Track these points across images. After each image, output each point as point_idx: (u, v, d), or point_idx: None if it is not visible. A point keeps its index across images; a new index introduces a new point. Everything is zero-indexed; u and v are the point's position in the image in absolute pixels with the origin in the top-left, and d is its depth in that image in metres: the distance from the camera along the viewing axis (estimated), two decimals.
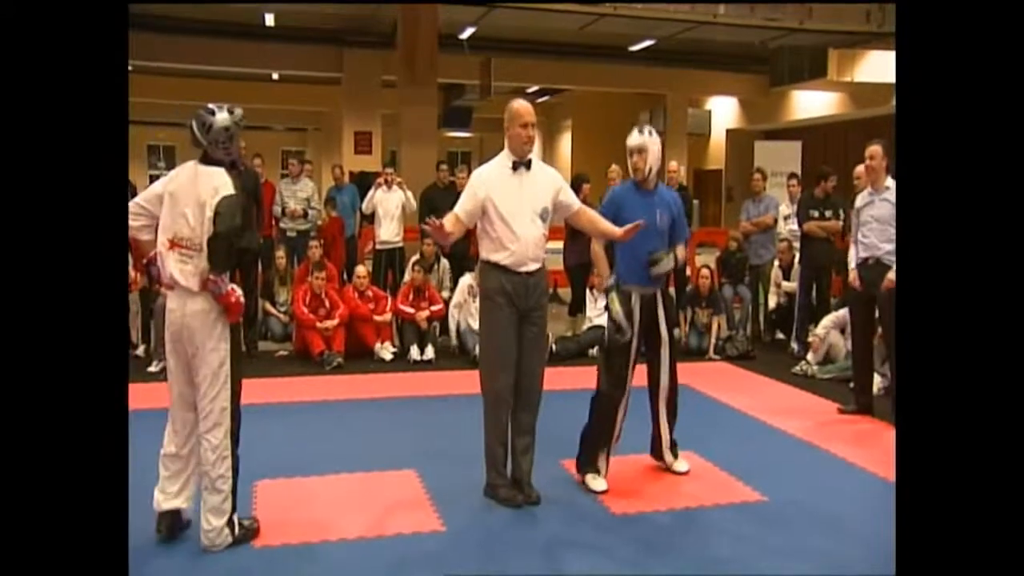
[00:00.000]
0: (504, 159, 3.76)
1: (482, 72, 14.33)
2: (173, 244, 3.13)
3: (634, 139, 4.01)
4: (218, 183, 3.13)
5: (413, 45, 12.43)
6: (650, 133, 4.02)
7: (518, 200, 3.68)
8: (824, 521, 3.71)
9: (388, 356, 6.94)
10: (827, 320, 6.66)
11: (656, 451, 4.37)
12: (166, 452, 3.31)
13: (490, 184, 3.70)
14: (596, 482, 4.03)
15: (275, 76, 17.88)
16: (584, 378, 6.49)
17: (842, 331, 6.47)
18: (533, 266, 3.72)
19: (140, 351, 6.92)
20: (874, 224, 5.17)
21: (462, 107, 17.62)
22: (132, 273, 7.56)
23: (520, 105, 3.75)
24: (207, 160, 3.20)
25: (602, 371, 4.13)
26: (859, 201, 5.35)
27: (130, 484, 4.06)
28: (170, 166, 25.76)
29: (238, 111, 3.27)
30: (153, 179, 24.49)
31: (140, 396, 5.67)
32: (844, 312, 6.20)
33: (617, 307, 3.92)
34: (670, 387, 4.26)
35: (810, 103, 16.17)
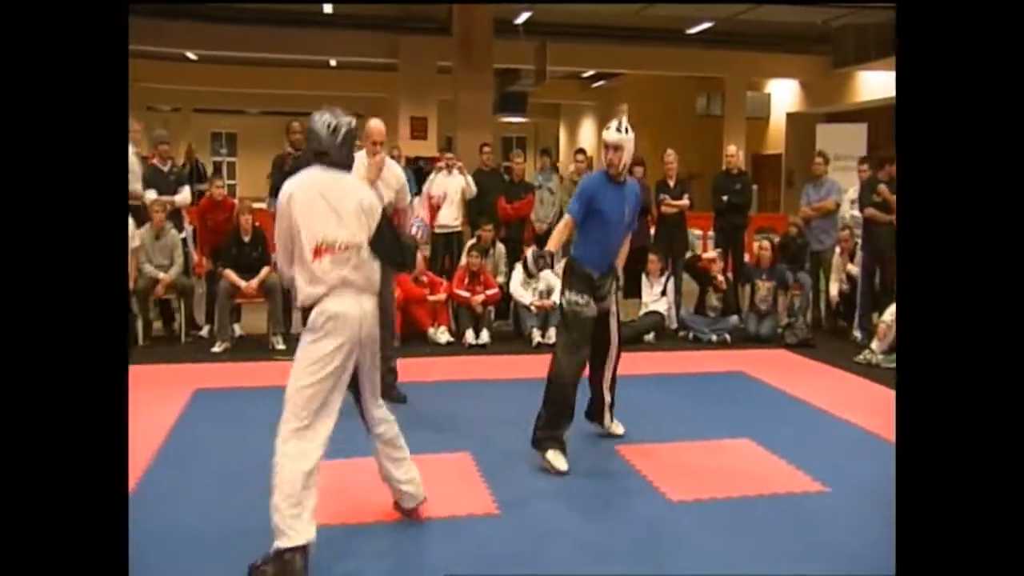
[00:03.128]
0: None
1: (537, 57, 14.23)
2: (323, 250, 2.97)
3: (612, 136, 4.17)
4: (362, 188, 3.19)
5: (468, 31, 12.42)
6: (626, 131, 4.19)
7: None
8: (888, 512, 3.61)
9: (443, 340, 6.99)
10: (894, 307, 6.48)
11: (597, 416, 4.55)
12: (310, 468, 2.94)
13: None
14: (559, 460, 4.03)
15: (333, 63, 18.07)
16: (641, 363, 6.46)
17: None
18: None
19: (204, 332, 7.10)
20: None
21: (517, 92, 17.55)
22: (197, 257, 7.77)
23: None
24: (331, 164, 3.06)
25: (560, 347, 4.19)
26: None
27: (203, 466, 4.15)
28: (231, 152, 26.34)
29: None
30: (217, 165, 24.86)
31: (206, 376, 5.85)
32: None
33: (530, 261, 4.26)
34: (616, 355, 4.49)
35: (876, 84, 15.67)
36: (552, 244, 4.25)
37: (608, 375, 4.51)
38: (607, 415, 4.57)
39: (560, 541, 3.31)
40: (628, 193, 4.27)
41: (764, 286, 7.30)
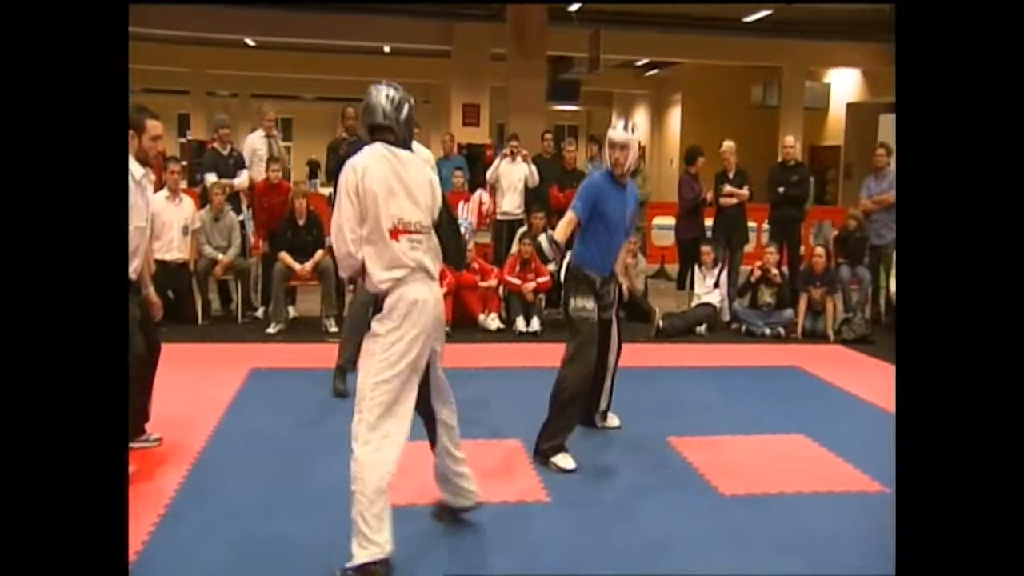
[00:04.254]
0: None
1: (591, 45, 14.11)
2: (400, 231, 2.80)
3: (619, 135, 4.03)
4: (428, 169, 3.02)
5: (522, 18, 12.36)
6: (632, 130, 4.10)
7: None
8: None
9: (494, 327, 7.01)
10: None
11: (590, 421, 4.41)
12: (390, 473, 2.79)
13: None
14: (566, 460, 3.90)
15: (386, 49, 18.17)
16: (692, 355, 6.40)
17: None
18: None
19: (260, 313, 7.22)
20: None
21: (570, 80, 17.44)
22: (253, 239, 7.90)
23: None
24: (395, 142, 2.88)
25: (567, 357, 4.01)
26: None
27: (249, 445, 4.19)
28: (286, 138, 26.70)
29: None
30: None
31: (262, 356, 5.95)
32: None
33: (545, 244, 4.07)
34: (615, 364, 4.42)
35: None
36: (560, 235, 4.10)
37: (607, 385, 4.40)
38: (599, 418, 4.47)
39: (608, 531, 3.29)
40: (629, 195, 4.16)
41: (818, 292, 7.14)
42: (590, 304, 4.01)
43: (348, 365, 4.92)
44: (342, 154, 7.26)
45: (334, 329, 6.68)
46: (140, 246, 3.74)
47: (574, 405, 4.00)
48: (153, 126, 3.78)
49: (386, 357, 2.77)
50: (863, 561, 3.07)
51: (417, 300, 2.80)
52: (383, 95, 2.89)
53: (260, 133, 7.87)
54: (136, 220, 3.63)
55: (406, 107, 2.90)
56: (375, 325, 2.83)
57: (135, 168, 3.67)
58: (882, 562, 3.06)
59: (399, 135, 2.89)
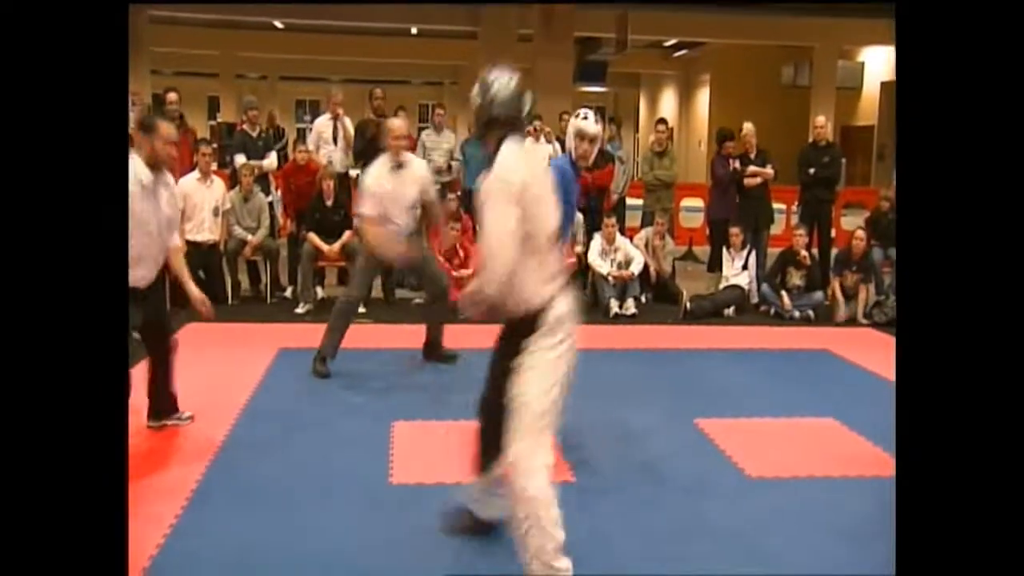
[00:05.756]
0: None
1: (618, 25, 13.97)
2: (552, 241, 2.63)
3: (593, 127, 3.83)
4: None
5: None
6: (597, 121, 3.95)
7: None
8: None
9: None
10: None
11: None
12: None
13: None
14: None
15: (414, 31, 18.14)
16: (721, 337, 6.35)
17: None
18: None
19: (288, 293, 7.29)
20: None
21: (597, 61, 17.30)
22: (282, 220, 7.96)
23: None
24: (522, 137, 2.65)
25: None
26: None
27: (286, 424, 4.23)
28: (315, 119, 26.78)
29: None
30: (302, 132, 25.52)
31: (290, 336, 6.00)
32: None
33: None
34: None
35: None
36: None
37: None
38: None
39: (632, 512, 3.29)
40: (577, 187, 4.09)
41: (852, 277, 7.04)
42: None
43: (329, 353, 5.03)
44: (368, 136, 7.34)
45: (361, 310, 6.72)
46: (150, 253, 3.64)
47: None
48: (165, 129, 3.65)
49: (554, 377, 2.52)
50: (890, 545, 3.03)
51: (571, 311, 2.62)
52: (510, 84, 2.59)
53: (327, 116, 7.72)
54: (145, 226, 3.53)
55: (524, 97, 2.66)
56: (539, 341, 2.54)
57: (143, 173, 3.56)
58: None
59: (517, 128, 2.62)
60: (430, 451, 3.84)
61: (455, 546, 2.96)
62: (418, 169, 5.21)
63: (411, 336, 6.12)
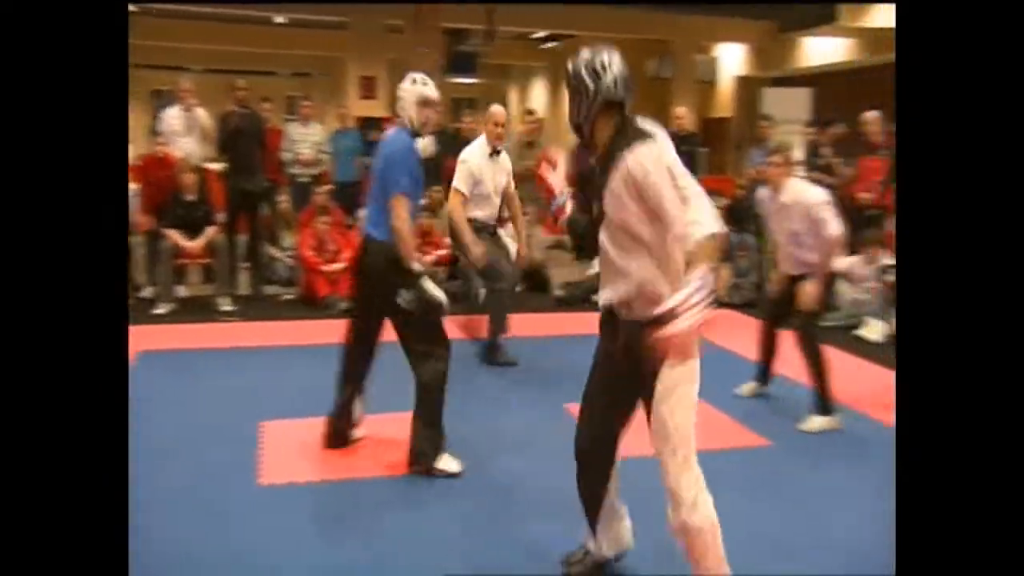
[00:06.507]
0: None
1: (487, 17, 14.07)
2: None
3: (435, 91, 3.83)
4: None
5: None
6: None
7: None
8: (829, 463, 3.75)
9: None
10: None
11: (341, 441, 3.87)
12: None
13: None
14: (452, 463, 3.55)
15: (278, 19, 17.60)
16: (586, 323, 6.52)
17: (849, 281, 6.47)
18: None
19: (147, 292, 6.95)
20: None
21: (467, 53, 17.32)
22: (141, 215, 7.56)
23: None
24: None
25: (428, 348, 3.52)
26: None
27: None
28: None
29: None
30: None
31: (150, 338, 5.73)
32: (852, 260, 6.18)
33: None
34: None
35: (820, 50, 15.87)
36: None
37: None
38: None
39: (499, 494, 3.37)
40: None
41: None
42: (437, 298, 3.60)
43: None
44: (232, 128, 7.08)
45: (228, 308, 6.50)
46: None
47: (442, 396, 3.57)
48: None
49: (696, 393, 2.41)
50: (760, 512, 3.24)
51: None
52: (612, 65, 2.44)
53: (177, 107, 7.20)
54: None
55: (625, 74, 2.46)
56: (684, 364, 2.36)
57: None
58: (774, 512, 3.25)
59: (625, 109, 2.43)
60: (303, 450, 3.78)
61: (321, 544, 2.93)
62: (507, 160, 5.25)
63: (278, 333, 5.98)
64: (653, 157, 2.23)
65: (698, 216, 2.15)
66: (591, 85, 2.38)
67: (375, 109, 13.71)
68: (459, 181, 4.99)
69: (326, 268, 6.82)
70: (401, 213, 3.35)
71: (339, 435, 3.77)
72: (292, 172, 8.21)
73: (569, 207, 2.70)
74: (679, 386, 2.34)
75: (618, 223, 2.30)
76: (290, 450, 3.77)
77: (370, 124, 9.50)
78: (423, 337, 3.49)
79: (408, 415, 3.72)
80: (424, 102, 3.49)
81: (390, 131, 3.57)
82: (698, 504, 2.32)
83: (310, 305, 6.77)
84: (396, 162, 3.38)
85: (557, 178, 2.76)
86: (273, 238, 7.67)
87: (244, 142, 7.06)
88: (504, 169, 5.17)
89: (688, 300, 2.04)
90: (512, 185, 5.27)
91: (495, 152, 5.08)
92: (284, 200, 7.83)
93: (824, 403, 4.26)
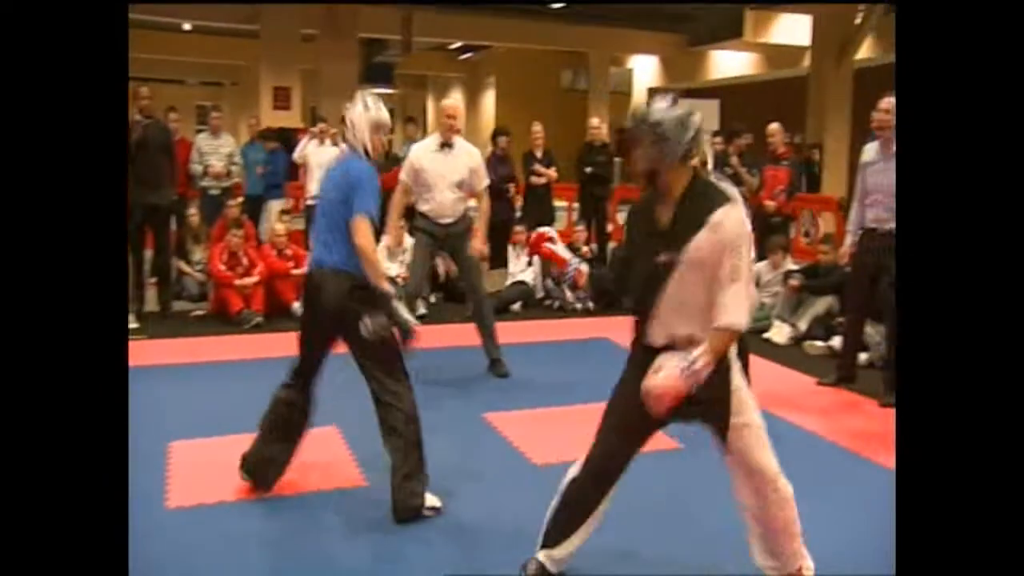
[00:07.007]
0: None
1: (403, 27, 14.03)
2: None
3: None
4: None
5: None
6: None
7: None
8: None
9: None
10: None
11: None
12: None
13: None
14: (433, 499, 3.34)
15: (187, 27, 17.13)
16: (508, 332, 6.55)
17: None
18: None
19: None
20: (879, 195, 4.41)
21: (384, 63, 17.26)
22: None
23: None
24: None
25: (396, 382, 3.30)
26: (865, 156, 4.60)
27: None
28: None
29: None
30: None
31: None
32: (759, 265, 6.39)
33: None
34: None
35: (728, 63, 16.43)
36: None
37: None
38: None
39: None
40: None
41: None
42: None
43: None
44: (135, 139, 6.84)
45: (134, 324, 6.27)
46: None
47: (419, 433, 3.34)
48: None
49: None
50: (670, 519, 3.30)
51: None
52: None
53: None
54: None
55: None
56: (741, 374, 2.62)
57: None
58: (689, 516, 3.31)
59: None
60: (213, 469, 3.67)
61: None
62: (468, 154, 5.15)
63: (190, 349, 5.81)
64: (742, 222, 2.40)
65: (731, 302, 2.36)
66: (678, 137, 2.44)
67: (289, 120, 13.49)
68: (402, 171, 5.17)
69: (239, 282, 6.66)
70: (368, 233, 3.19)
71: (263, 482, 3.49)
72: (202, 185, 8.00)
73: (584, 268, 3.10)
74: (744, 394, 2.60)
75: (696, 273, 2.41)
76: (199, 471, 3.66)
77: (267, 135, 9.33)
78: (391, 369, 3.26)
79: (322, 432, 3.67)
80: (377, 127, 3.37)
81: (345, 156, 3.37)
82: (781, 474, 2.55)
83: (223, 321, 6.60)
84: (363, 187, 3.21)
85: (561, 248, 3.15)
86: (183, 252, 7.44)
87: (149, 153, 6.82)
88: (462, 163, 5.08)
89: (691, 367, 2.35)
90: (479, 184, 5.18)
91: (446, 145, 5.06)
92: (194, 213, 7.63)
93: None
